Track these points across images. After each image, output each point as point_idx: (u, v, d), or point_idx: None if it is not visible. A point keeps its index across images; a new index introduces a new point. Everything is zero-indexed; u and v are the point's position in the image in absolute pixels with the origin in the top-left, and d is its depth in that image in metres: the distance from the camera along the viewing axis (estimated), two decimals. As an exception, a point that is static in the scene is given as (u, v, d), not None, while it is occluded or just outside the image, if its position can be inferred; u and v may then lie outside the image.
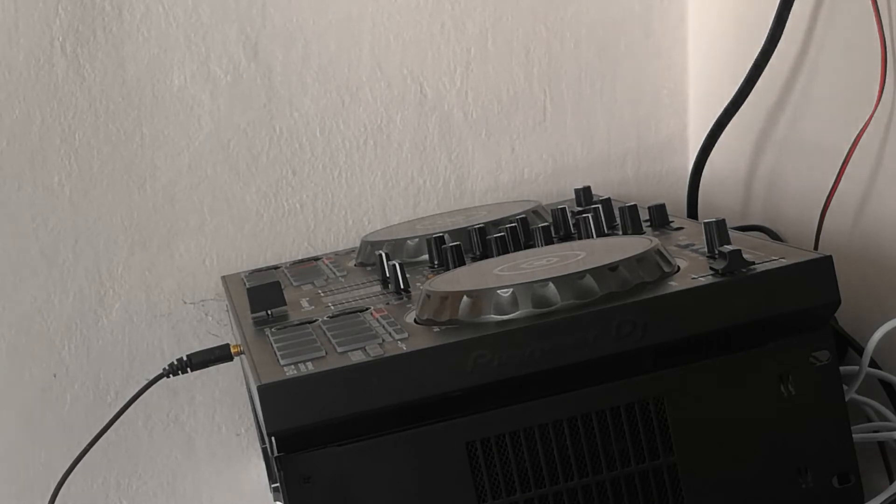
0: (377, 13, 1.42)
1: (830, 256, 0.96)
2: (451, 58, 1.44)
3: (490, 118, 1.47)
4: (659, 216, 1.20)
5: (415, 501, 0.94)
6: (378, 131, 1.43)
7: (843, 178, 1.20)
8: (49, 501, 1.20)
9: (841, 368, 1.01)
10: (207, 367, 1.21)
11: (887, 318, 1.07)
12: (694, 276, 0.97)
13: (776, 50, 1.28)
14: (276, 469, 0.93)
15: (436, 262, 1.20)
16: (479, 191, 1.47)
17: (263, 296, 1.14)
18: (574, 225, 1.21)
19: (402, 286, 1.13)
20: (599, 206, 1.20)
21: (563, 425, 0.95)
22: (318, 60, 1.41)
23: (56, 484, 1.20)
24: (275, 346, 1.00)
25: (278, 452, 0.92)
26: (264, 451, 1.29)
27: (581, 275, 0.96)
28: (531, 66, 1.47)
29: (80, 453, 1.20)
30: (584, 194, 1.35)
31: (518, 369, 0.93)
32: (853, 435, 0.99)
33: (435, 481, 0.94)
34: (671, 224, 1.19)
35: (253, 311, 1.14)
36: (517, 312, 0.95)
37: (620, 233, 1.19)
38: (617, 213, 1.20)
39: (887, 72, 1.15)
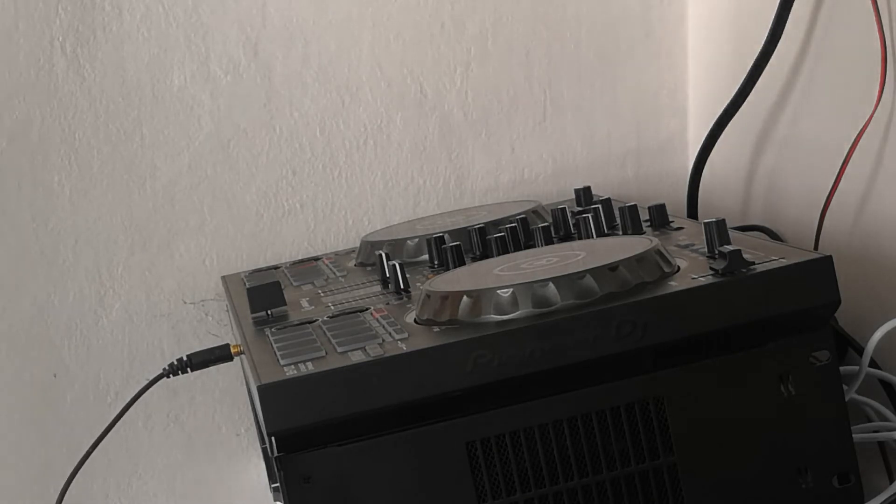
0: (377, 13, 1.42)
1: (830, 256, 0.96)
2: (451, 58, 1.44)
3: (490, 118, 1.47)
4: (659, 216, 1.20)
5: (415, 501, 0.94)
6: (378, 131, 1.43)
7: (843, 178, 1.20)
8: (56, 502, 1.20)
9: (841, 368, 1.01)
10: (207, 367, 1.21)
11: (887, 318, 1.07)
12: (694, 276, 0.97)
13: (776, 50, 1.28)
14: (276, 469, 0.93)
15: (436, 262, 1.20)
16: (479, 191, 1.47)
17: (263, 296, 1.14)
18: (574, 225, 1.21)
19: (402, 286, 1.13)
20: (599, 206, 1.20)
21: (563, 425, 0.95)
22: (318, 60, 1.41)
23: (62, 486, 1.20)
24: (275, 346, 1.00)
25: (278, 452, 0.92)
26: (264, 451, 1.29)
27: (581, 275, 0.96)
28: (531, 66, 1.47)
29: (84, 455, 1.20)
30: (584, 194, 1.35)
31: (518, 369, 0.93)
32: (853, 435, 0.99)
33: (435, 481, 0.94)
34: (671, 224, 1.19)
35: (253, 311, 1.14)
36: (517, 312, 0.95)
37: (620, 233, 1.19)
38: (617, 213, 1.20)
39: (887, 72, 1.15)
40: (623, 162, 1.51)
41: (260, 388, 0.91)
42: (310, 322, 1.07)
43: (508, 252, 1.15)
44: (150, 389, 1.22)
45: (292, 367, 0.94)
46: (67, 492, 1.20)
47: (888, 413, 1.13)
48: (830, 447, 0.98)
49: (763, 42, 1.28)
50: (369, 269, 1.26)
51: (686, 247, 1.08)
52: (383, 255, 1.19)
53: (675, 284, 0.96)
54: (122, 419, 1.21)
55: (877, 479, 1.16)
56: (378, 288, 1.17)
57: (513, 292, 0.96)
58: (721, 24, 1.44)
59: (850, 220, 1.22)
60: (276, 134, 1.41)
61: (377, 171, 1.44)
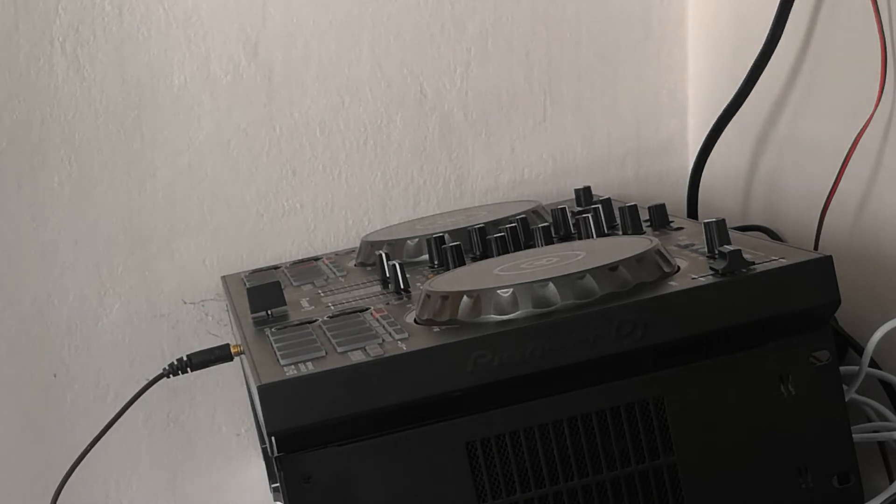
0: (377, 13, 1.42)
1: (830, 256, 0.96)
2: (451, 58, 1.44)
3: (490, 118, 1.47)
4: (659, 216, 1.20)
5: (415, 501, 0.94)
6: (378, 131, 1.43)
7: (843, 178, 1.20)
8: (51, 502, 1.20)
9: (841, 368, 1.01)
10: (207, 367, 1.21)
11: (887, 318, 1.07)
12: (694, 276, 0.97)
13: (776, 50, 1.28)
14: (276, 469, 0.93)
15: (436, 262, 1.20)
16: (479, 191, 1.47)
17: (263, 296, 1.14)
18: (574, 225, 1.21)
19: (402, 286, 1.13)
20: (599, 206, 1.20)
21: (563, 425, 0.95)
22: (318, 60, 1.41)
23: (58, 484, 1.20)
24: (275, 346, 1.00)
25: (278, 452, 0.92)
26: (264, 451, 1.29)
27: (581, 275, 0.96)
28: (531, 66, 1.47)
29: (82, 453, 1.20)
30: (584, 194, 1.35)
31: (518, 369, 0.93)
32: (853, 435, 0.99)
33: (435, 481, 0.94)
34: (671, 224, 1.19)
35: (253, 311, 1.14)
36: (517, 312, 0.95)
37: (620, 233, 1.19)
38: (617, 213, 1.20)
39: (887, 72, 1.15)
40: (623, 162, 1.51)
41: (260, 388, 0.91)
42: (310, 322, 1.07)
43: (508, 252, 1.15)
44: (150, 389, 1.22)
45: (292, 367, 0.94)
46: (67, 492, 1.20)
47: (888, 413, 1.13)
48: (830, 447, 0.98)
49: (763, 42, 1.28)
50: (369, 269, 1.26)
51: (686, 247, 1.08)
52: (383, 255, 1.19)
53: (676, 284, 0.96)
54: (121, 419, 1.21)
55: (877, 479, 1.16)
56: (378, 288, 1.17)
57: (513, 292, 0.96)
58: (721, 25, 1.44)
59: (850, 220, 1.22)
60: (276, 134, 1.41)
61: (377, 171, 1.44)
